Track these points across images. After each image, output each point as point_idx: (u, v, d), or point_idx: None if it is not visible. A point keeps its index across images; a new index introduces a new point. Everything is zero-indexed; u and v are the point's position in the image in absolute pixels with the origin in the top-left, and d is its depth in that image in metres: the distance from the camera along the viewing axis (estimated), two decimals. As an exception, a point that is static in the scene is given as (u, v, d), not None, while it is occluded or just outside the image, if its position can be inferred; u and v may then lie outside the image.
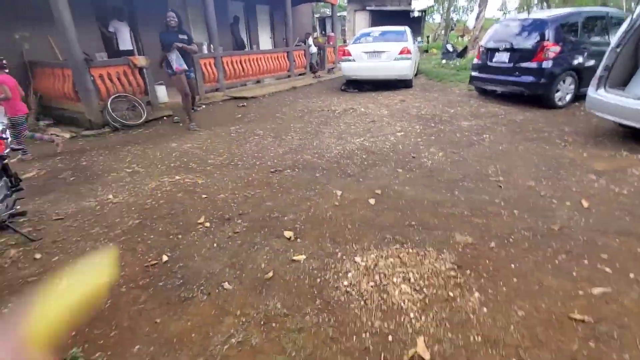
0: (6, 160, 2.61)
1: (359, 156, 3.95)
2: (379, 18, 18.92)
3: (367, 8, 19.23)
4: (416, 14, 20.33)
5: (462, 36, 28.27)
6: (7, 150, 2.63)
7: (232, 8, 10.45)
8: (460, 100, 6.74)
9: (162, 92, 6.74)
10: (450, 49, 12.90)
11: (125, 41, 7.64)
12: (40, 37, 6.06)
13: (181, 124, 5.87)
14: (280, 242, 2.33)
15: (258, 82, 9.19)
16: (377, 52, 7.59)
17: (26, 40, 6.01)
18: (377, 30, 8.40)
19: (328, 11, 30.20)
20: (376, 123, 5.29)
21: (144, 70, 6.20)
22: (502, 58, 6.05)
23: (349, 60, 7.87)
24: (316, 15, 21.12)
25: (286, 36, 10.34)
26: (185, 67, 5.20)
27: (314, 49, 10.92)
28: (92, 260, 0.55)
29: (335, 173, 3.52)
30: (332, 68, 12.48)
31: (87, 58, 5.36)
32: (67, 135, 5.41)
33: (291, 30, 10.11)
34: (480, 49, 6.57)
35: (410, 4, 20.31)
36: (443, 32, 30.85)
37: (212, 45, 7.84)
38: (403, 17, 18.50)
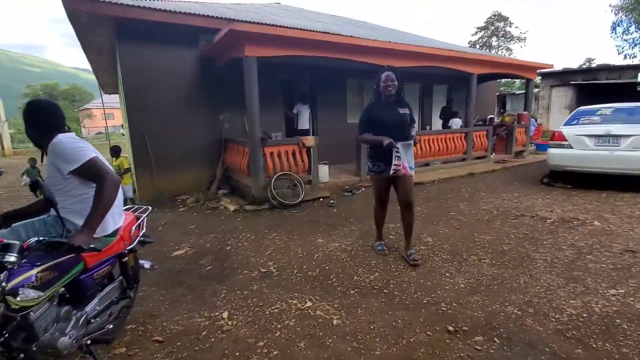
0: (126, 258, 2.21)
1: (630, 337, 2.02)
2: (587, 94, 15.22)
3: (571, 82, 15.94)
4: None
5: None
6: (134, 244, 2.25)
7: (407, 87, 10.14)
8: None
9: (324, 172, 6.46)
10: None
11: (304, 122, 8.11)
12: (238, 119, 6.91)
13: (335, 210, 5.19)
14: None
15: (426, 164, 8.05)
16: (614, 137, 5.25)
17: (227, 121, 6.96)
18: (607, 107, 6.03)
19: (507, 89, 27.46)
20: (636, 255, 3.07)
21: (311, 149, 6.08)
22: None
23: (562, 147, 5.77)
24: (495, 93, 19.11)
25: (466, 115, 9.06)
26: (410, 165, 3.11)
27: (457, 125, 9.70)
28: None
29: (588, 376, 1.74)
30: (522, 151, 10.15)
31: (264, 137, 5.56)
32: (232, 208, 5.54)
33: (472, 109, 8.79)
34: None
35: (636, 76, 15.72)
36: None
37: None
38: (624, 91, 14.17)
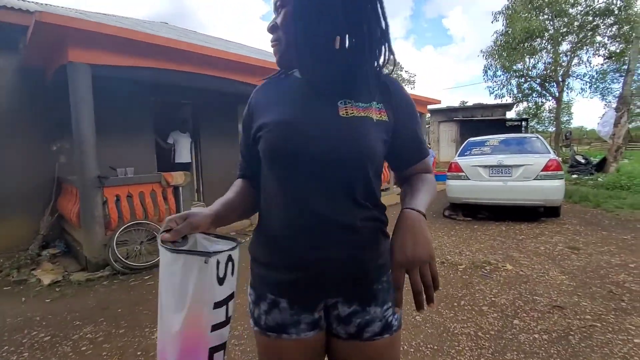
0: None
1: None
2: (468, 129, 17.13)
3: (454, 119, 17.82)
4: (510, 123, 18.05)
5: (567, 147, 24.78)
6: None
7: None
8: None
9: (200, 217, 5.06)
10: (582, 161, 9.92)
11: (184, 153, 6.68)
12: (81, 150, 5.14)
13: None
14: None
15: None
16: (505, 167, 5.17)
17: (62, 153, 5.12)
18: (495, 138, 6.16)
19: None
20: (565, 313, 2.48)
21: (180, 189, 4.69)
22: None
23: (460, 178, 5.55)
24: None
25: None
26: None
27: None
28: None
29: None
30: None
31: (101, 176, 3.96)
32: (48, 280, 3.71)
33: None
34: None
35: (504, 114, 18.48)
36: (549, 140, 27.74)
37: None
38: (497, 127, 16.33)
